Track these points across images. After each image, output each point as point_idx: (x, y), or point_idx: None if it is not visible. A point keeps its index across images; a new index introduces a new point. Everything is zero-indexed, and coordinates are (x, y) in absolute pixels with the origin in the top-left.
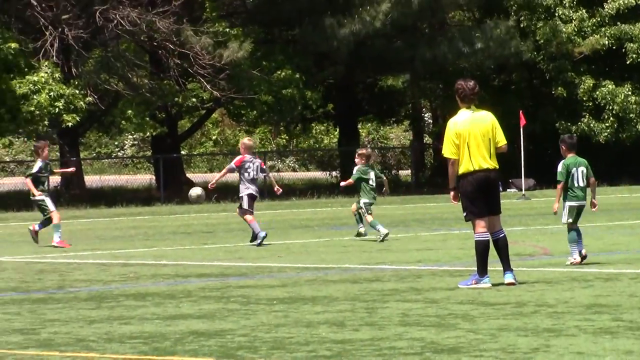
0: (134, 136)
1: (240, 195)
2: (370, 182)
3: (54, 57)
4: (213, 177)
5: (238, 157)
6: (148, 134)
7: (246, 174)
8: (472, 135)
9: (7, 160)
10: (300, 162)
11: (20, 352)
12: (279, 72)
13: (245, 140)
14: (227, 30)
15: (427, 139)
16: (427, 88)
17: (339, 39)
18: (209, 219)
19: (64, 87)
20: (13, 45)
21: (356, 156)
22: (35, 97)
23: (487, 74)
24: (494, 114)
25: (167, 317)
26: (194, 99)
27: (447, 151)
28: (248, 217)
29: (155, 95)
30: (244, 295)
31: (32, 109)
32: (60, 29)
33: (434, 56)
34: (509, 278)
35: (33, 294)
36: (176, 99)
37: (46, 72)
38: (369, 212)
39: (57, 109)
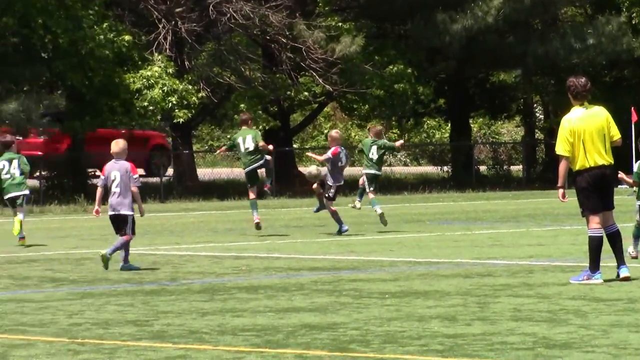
0: None
1: (330, 184)
2: (371, 154)
3: (167, 51)
4: (324, 171)
5: (333, 149)
6: (260, 127)
7: (339, 164)
8: (587, 132)
9: None
10: (412, 157)
11: (134, 343)
12: (391, 67)
13: (333, 132)
14: (340, 24)
15: (539, 135)
16: (538, 84)
17: (451, 34)
18: (320, 213)
19: (177, 82)
20: (127, 38)
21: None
22: (148, 92)
23: (599, 70)
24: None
25: (280, 310)
26: (306, 93)
27: (561, 148)
28: (332, 207)
29: (267, 89)
30: (356, 288)
31: (146, 104)
32: (173, 22)
33: (545, 52)
34: (624, 272)
35: (146, 285)
36: (288, 92)
37: (159, 67)
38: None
39: (169, 104)
